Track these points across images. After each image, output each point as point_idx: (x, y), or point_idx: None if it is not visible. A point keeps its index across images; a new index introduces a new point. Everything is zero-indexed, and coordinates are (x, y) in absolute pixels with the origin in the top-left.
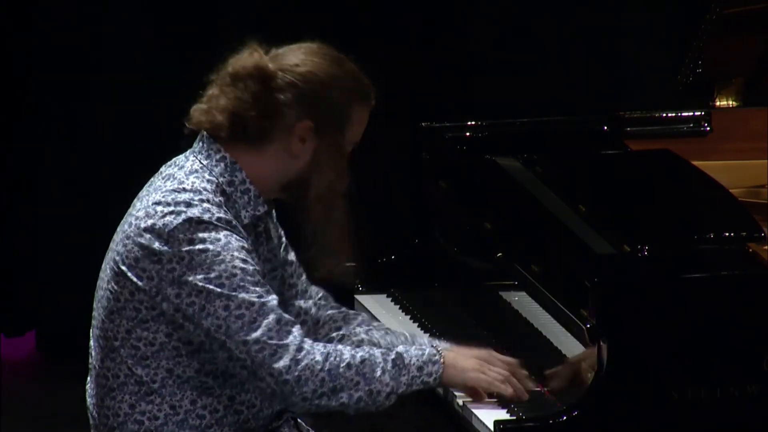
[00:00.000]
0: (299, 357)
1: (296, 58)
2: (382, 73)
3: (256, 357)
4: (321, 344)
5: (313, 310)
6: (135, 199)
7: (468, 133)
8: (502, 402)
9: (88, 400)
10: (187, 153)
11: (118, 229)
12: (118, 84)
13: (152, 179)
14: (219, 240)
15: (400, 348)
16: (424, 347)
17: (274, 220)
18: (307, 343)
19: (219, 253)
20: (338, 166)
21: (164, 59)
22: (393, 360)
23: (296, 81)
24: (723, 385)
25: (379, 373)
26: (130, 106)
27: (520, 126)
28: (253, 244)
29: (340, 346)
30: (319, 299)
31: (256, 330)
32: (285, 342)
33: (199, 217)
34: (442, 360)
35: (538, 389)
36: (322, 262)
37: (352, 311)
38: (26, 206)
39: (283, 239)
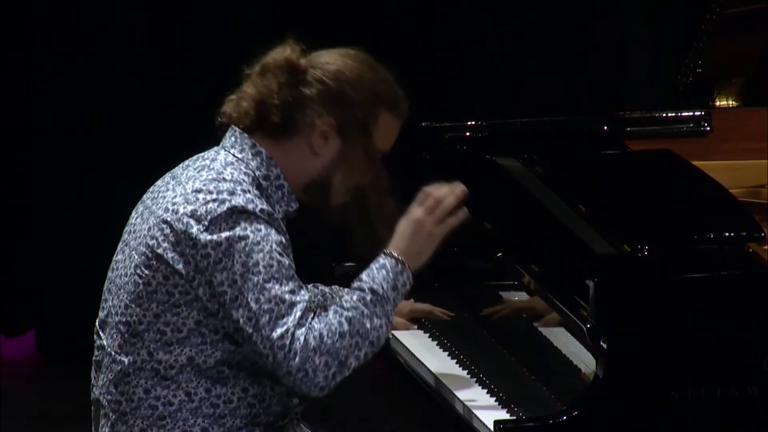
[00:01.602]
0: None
1: (330, 57)
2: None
3: (278, 354)
4: (315, 327)
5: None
6: (147, 194)
7: (468, 133)
8: (502, 402)
9: (95, 392)
10: (216, 148)
11: (137, 220)
12: (118, 83)
13: (173, 173)
14: (260, 230)
15: (368, 283)
16: (385, 265)
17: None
18: (301, 331)
19: (258, 243)
20: (364, 171)
21: (165, 60)
22: (371, 300)
23: (324, 77)
24: (723, 385)
25: (368, 323)
26: (130, 106)
27: (520, 126)
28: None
29: (328, 317)
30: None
31: (282, 326)
32: (300, 338)
33: (243, 207)
34: (406, 264)
35: (539, 389)
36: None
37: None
38: (26, 207)
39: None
